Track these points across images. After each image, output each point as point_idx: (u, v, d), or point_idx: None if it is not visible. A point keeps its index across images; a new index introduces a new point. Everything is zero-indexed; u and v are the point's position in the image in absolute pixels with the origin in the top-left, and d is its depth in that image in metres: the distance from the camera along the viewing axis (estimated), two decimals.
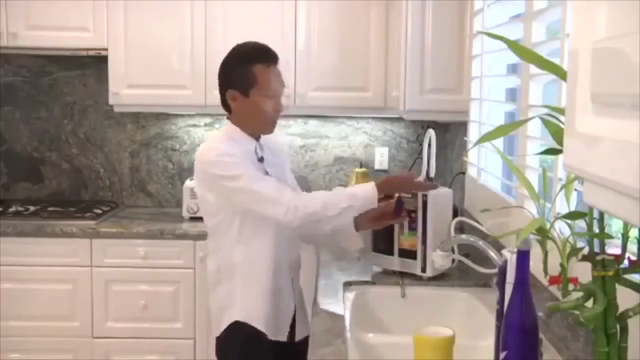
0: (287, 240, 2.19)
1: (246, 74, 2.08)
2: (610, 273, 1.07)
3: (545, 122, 1.13)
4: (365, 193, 2.01)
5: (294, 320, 2.22)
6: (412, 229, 2.21)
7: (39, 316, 3.16)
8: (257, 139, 2.18)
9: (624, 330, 1.09)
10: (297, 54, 3.27)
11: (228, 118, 2.19)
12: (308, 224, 2.01)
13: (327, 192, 2.11)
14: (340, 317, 1.86)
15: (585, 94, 0.71)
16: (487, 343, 1.61)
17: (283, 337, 2.19)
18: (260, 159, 2.16)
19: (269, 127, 2.16)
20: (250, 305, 2.13)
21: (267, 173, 2.13)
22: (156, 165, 3.71)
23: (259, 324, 2.12)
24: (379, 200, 2.08)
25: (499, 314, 1.44)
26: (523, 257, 1.22)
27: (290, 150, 3.59)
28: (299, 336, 2.25)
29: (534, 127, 1.88)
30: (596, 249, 1.10)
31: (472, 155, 2.63)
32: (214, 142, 2.13)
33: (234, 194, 2.05)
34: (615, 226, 1.23)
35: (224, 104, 2.16)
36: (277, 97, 2.13)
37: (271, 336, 2.14)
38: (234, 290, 2.16)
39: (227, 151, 2.05)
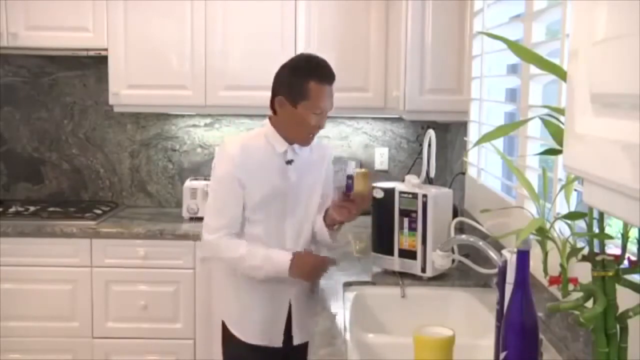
0: (285, 248, 2.21)
1: (300, 86, 2.12)
2: (610, 273, 1.07)
3: (545, 123, 1.13)
4: (278, 265, 2.13)
5: (289, 326, 2.26)
6: (412, 229, 2.21)
7: (39, 316, 3.16)
8: (291, 142, 2.21)
9: (624, 330, 1.09)
10: (297, 54, 3.26)
11: (270, 118, 2.23)
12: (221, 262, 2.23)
13: (249, 246, 2.13)
14: (340, 318, 1.86)
15: (585, 94, 0.71)
16: (487, 343, 1.61)
17: (274, 343, 2.25)
18: (289, 162, 2.20)
19: (306, 140, 2.20)
20: (236, 314, 2.26)
21: (288, 177, 2.20)
22: (156, 166, 3.71)
23: (239, 332, 2.24)
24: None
25: (499, 314, 1.44)
26: (523, 257, 1.22)
27: None
28: (297, 341, 2.28)
29: (534, 128, 1.88)
30: (596, 249, 1.10)
31: (472, 156, 2.63)
32: (234, 142, 2.19)
33: None
34: (615, 226, 1.23)
35: (272, 104, 2.20)
36: (322, 115, 2.17)
37: (253, 341, 2.24)
38: (227, 291, 2.28)
39: (230, 164, 2.13)
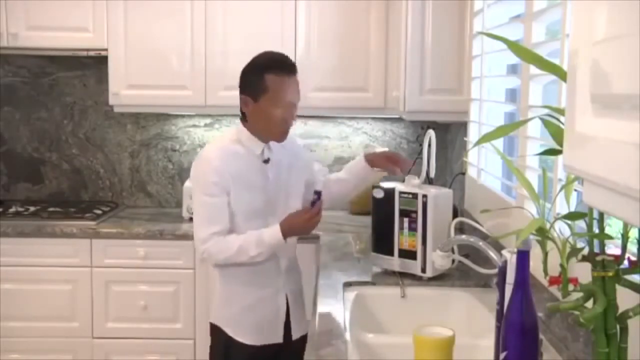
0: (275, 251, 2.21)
1: (258, 81, 2.12)
2: (610, 273, 1.07)
3: (545, 123, 1.13)
4: (272, 238, 2.11)
5: (288, 321, 2.27)
6: (412, 229, 2.21)
7: (39, 316, 3.16)
8: (266, 141, 2.21)
9: (624, 330, 1.09)
10: (297, 54, 3.26)
11: (241, 120, 2.22)
12: (224, 263, 2.18)
13: (239, 238, 2.13)
14: (340, 318, 1.86)
15: (585, 94, 0.71)
16: (487, 343, 1.61)
17: (274, 340, 2.25)
18: (266, 161, 2.20)
19: (278, 135, 2.19)
20: (228, 316, 2.26)
21: (267, 176, 2.20)
22: (156, 166, 3.71)
23: (236, 334, 2.24)
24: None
25: (499, 314, 1.44)
26: (523, 257, 1.22)
27: None
28: (295, 335, 2.30)
29: (534, 128, 1.88)
30: (596, 250, 1.10)
31: (472, 156, 2.63)
32: (212, 150, 2.18)
33: None
34: (615, 226, 1.23)
35: (241, 107, 2.21)
36: (287, 107, 2.14)
37: (254, 342, 2.23)
38: (223, 295, 2.28)
39: (212, 173, 2.12)
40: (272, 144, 2.23)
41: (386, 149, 3.58)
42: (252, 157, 2.19)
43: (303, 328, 2.34)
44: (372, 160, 2.36)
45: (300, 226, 2.14)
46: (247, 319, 2.23)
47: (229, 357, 2.26)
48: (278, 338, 2.26)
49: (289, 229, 2.12)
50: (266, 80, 2.11)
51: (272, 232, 2.11)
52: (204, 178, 2.15)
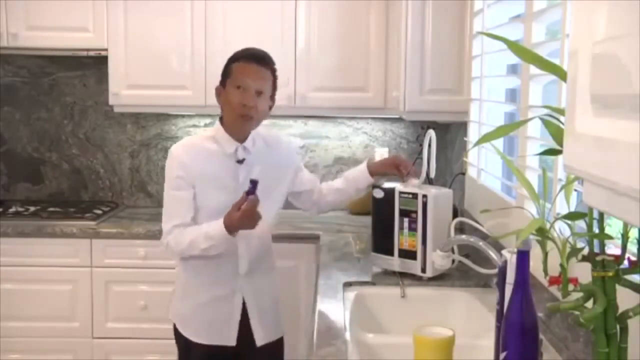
0: (236, 250, 2.20)
1: (226, 68, 2.20)
2: (610, 274, 1.07)
3: (545, 123, 1.13)
4: (216, 232, 2.07)
5: (248, 325, 2.24)
6: (412, 229, 2.21)
7: (39, 317, 3.16)
8: (242, 141, 2.20)
9: (624, 330, 1.09)
10: (297, 54, 3.27)
11: (220, 119, 2.24)
12: (183, 256, 2.20)
13: (193, 231, 2.12)
14: (340, 318, 1.86)
15: (585, 94, 0.71)
16: (487, 343, 1.61)
17: (225, 342, 2.23)
18: (240, 161, 2.20)
19: (240, 122, 2.16)
20: (181, 313, 2.29)
21: (238, 177, 2.19)
22: (156, 166, 3.71)
23: (187, 332, 2.26)
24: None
25: (499, 315, 1.44)
26: (523, 257, 1.22)
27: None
28: (260, 342, 2.26)
29: (534, 128, 1.88)
30: (596, 250, 1.10)
31: (472, 156, 2.63)
32: (180, 145, 2.22)
33: None
34: (615, 226, 1.23)
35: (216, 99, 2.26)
36: (246, 91, 2.14)
37: (204, 341, 2.24)
38: (176, 291, 2.33)
39: (177, 167, 2.15)
40: (254, 145, 2.22)
41: (385, 153, 3.58)
42: (224, 156, 2.19)
43: (271, 334, 2.30)
44: (373, 170, 2.39)
45: (238, 221, 2.04)
46: (198, 317, 2.23)
47: (188, 358, 2.28)
48: (230, 341, 2.23)
49: (229, 224, 2.06)
50: (232, 67, 2.18)
51: (216, 226, 2.07)
52: (169, 172, 2.19)
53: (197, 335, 2.24)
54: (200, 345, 2.23)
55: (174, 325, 2.31)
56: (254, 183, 2.04)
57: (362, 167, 2.41)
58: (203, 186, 2.16)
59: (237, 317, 2.23)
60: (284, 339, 2.38)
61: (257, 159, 2.23)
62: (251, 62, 2.17)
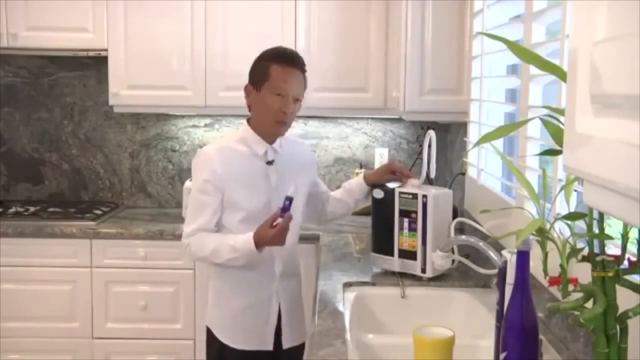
0: (272, 255, 2.19)
1: (263, 69, 2.15)
2: (610, 274, 1.07)
3: (545, 123, 1.13)
4: (243, 246, 2.07)
5: (279, 329, 2.24)
6: (412, 229, 2.21)
7: (38, 317, 3.16)
8: (271, 142, 2.20)
9: (624, 331, 1.09)
10: None
11: (247, 120, 2.23)
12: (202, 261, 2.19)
13: (217, 239, 2.11)
14: (340, 318, 1.86)
15: (585, 94, 0.71)
16: (487, 343, 1.61)
17: (264, 347, 2.22)
18: (270, 162, 2.19)
19: (275, 127, 2.17)
20: (218, 319, 2.26)
21: (269, 178, 2.19)
22: (156, 166, 3.71)
23: (225, 338, 2.22)
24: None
25: (499, 315, 1.44)
26: (523, 257, 1.22)
27: None
28: (286, 344, 2.25)
29: (534, 128, 1.88)
30: (596, 250, 1.09)
31: (472, 156, 2.63)
32: (210, 149, 2.20)
33: None
34: (615, 227, 1.23)
35: (245, 98, 2.23)
36: (286, 98, 2.13)
37: (244, 347, 2.21)
38: (213, 297, 2.29)
39: (206, 171, 2.13)
40: (281, 147, 2.22)
41: (385, 153, 3.58)
42: (254, 158, 2.18)
43: (297, 338, 2.29)
44: (369, 180, 2.37)
45: (269, 240, 2.04)
46: (237, 324, 2.21)
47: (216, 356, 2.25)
48: (268, 345, 2.22)
49: (259, 240, 2.05)
50: (270, 70, 2.13)
51: (245, 240, 2.06)
52: (198, 175, 2.17)
53: (234, 341, 2.21)
54: (237, 350, 2.21)
55: (207, 329, 2.27)
56: (289, 200, 2.05)
57: (359, 177, 2.41)
58: (235, 189, 2.14)
59: (274, 321, 2.22)
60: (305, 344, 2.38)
61: (284, 159, 2.22)
62: (290, 66, 2.14)
